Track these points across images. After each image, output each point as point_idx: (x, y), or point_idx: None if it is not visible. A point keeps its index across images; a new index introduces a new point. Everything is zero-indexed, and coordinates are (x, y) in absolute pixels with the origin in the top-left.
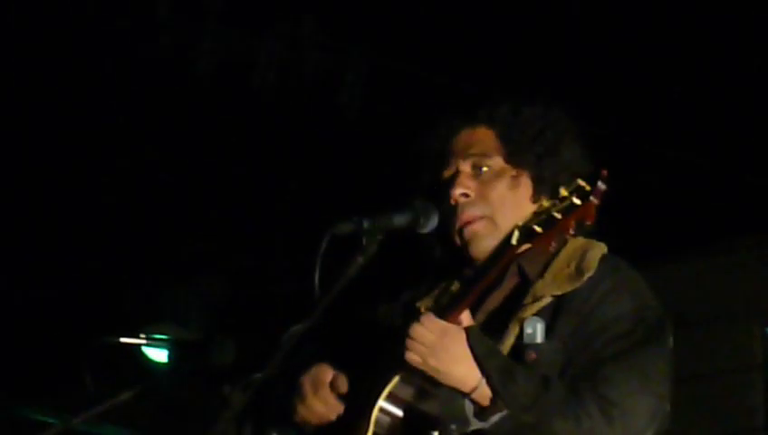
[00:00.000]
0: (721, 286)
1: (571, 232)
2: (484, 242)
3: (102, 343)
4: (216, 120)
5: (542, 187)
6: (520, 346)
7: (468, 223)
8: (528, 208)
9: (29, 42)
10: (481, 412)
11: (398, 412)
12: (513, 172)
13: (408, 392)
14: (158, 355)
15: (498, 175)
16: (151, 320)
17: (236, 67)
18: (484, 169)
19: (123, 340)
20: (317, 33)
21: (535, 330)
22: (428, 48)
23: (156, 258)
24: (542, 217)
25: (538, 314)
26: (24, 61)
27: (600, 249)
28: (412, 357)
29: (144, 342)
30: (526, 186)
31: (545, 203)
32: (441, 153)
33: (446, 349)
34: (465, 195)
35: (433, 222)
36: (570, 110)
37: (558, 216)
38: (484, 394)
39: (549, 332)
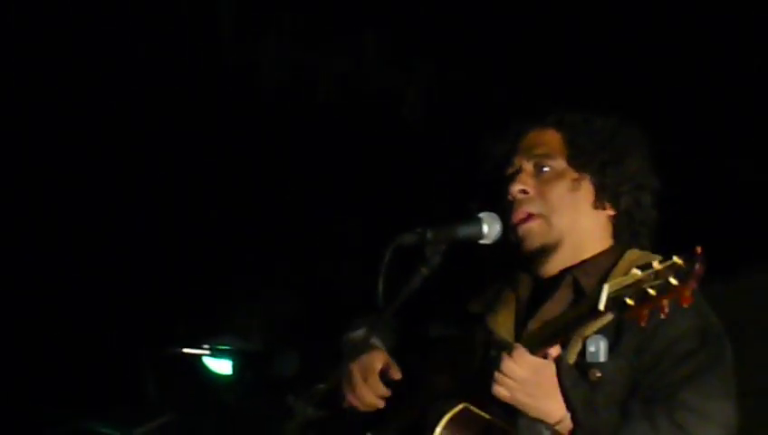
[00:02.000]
0: None
1: (666, 311)
2: (537, 240)
3: (166, 353)
4: (283, 137)
5: (604, 194)
6: (583, 364)
7: (523, 220)
8: (587, 214)
9: (82, 59)
10: None
11: None
12: (575, 175)
13: (472, 423)
14: (222, 367)
15: (559, 176)
16: (214, 332)
17: (301, 83)
18: (546, 169)
19: (186, 350)
20: (379, 48)
21: (598, 348)
22: (490, 61)
23: (220, 270)
24: (634, 288)
25: (600, 331)
26: (73, 78)
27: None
28: (501, 392)
29: (207, 352)
30: (587, 191)
31: (637, 273)
32: (507, 153)
33: (538, 385)
34: (524, 191)
35: (497, 232)
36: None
37: (653, 293)
38: (567, 425)
39: (612, 350)
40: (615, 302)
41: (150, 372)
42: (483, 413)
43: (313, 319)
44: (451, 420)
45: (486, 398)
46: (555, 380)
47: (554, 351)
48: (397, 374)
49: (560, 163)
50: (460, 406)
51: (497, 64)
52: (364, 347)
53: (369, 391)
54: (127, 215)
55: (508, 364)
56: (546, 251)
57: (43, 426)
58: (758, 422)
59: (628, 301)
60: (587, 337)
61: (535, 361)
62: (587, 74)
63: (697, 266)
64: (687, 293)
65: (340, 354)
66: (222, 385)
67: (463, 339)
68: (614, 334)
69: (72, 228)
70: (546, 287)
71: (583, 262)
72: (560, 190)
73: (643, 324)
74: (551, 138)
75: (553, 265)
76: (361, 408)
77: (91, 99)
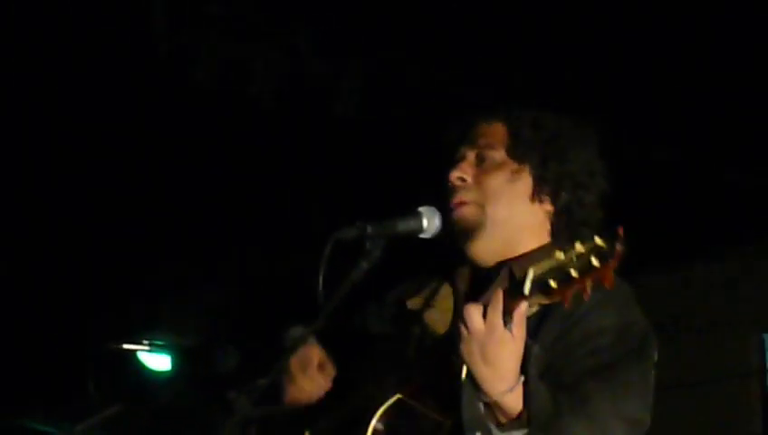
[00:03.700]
0: (719, 294)
1: (589, 292)
2: (469, 224)
3: (105, 349)
4: (216, 130)
5: (542, 188)
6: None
7: (457, 207)
8: (524, 206)
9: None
10: (502, 426)
11: (391, 431)
12: (515, 167)
13: (407, 414)
14: (160, 363)
15: (498, 167)
16: (150, 328)
17: (234, 77)
18: (487, 159)
19: (126, 346)
20: (314, 43)
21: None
22: (425, 55)
23: (154, 266)
24: (557, 271)
25: (528, 318)
26: (26, 70)
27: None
28: (462, 347)
29: (146, 348)
30: (526, 183)
31: (560, 255)
32: (456, 142)
33: (502, 341)
34: (462, 179)
35: (436, 226)
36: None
37: (575, 274)
38: (509, 404)
39: (532, 337)
40: (539, 285)
41: (90, 368)
42: (417, 404)
43: (250, 313)
44: (386, 411)
45: (420, 390)
46: (512, 350)
47: (522, 307)
48: (331, 369)
49: (500, 154)
50: (395, 398)
51: (431, 59)
52: (302, 343)
53: (309, 382)
54: (63, 209)
55: (474, 316)
56: (478, 235)
57: None
58: (696, 412)
59: (552, 283)
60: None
61: (499, 321)
62: (519, 63)
63: (618, 247)
64: (609, 273)
65: (280, 350)
66: (161, 381)
67: (399, 335)
68: (537, 324)
69: (12, 222)
70: (483, 280)
71: (520, 256)
72: (497, 181)
73: (567, 306)
74: (496, 130)
75: (489, 256)
76: (302, 400)
77: (20, 87)
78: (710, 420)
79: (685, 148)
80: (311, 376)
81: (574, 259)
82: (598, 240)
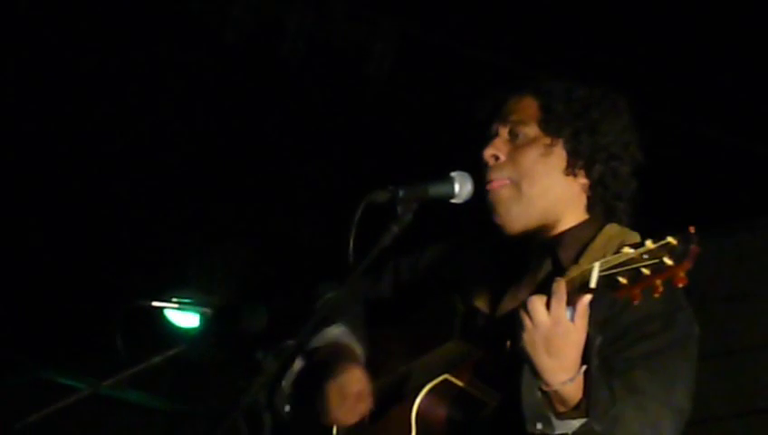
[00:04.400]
0: (745, 264)
1: (660, 290)
2: (506, 206)
3: (134, 306)
4: (245, 90)
5: (577, 161)
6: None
7: (493, 186)
8: (559, 181)
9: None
10: (560, 415)
11: (437, 410)
12: (548, 141)
13: (452, 394)
14: (189, 321)
15: (532, 142)
16: (179, 286)
17: (265, 37)
18: (520, 135)
19: (155, 304)
20: (346, 4)
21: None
22: (458, 19)
23: (183, 224)
24: (626, 266)
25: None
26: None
27: (635, 240)
28: (523, 337)
29: (175, 306)
30: (560, 157)
31: (628, 251)
32: (488, 119)
33: (566, 333)
34: (496, 157)
35: (468, 192)
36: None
37: (647, 272)
38: (569, 394)
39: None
40: (607, 280)
41: (118, 325)
42: (464, 384)
43: (277, 272)
44: (431, 390)
45: (468, 370)
46: (575, 341)
47: (586, 299)
48: (370, 400)
49: (533, 129)
50: (441, 377)
51: (465, 22)
52: (331, 305)
53: (343, 415)
54: (95, 169)
55: (539, 307)
56: (515, 213)
57: (6, 373)
58: (723, 384)
59: (621, 280)
60: None
61: (563, 313)
62: (561, 37)
63: (693, 247)
64: (682, 273)
65: (309, 310)
66: (189, 339)
67: (440, 307)
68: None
69: (36, 185)
70: (523, 258)
71: (561, 234)
72: (531, 156)
73: (636, 302)
74: (527, 104)
75: (527, 230)
76: (337, 426)
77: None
78: (737, 391)
79: (726, 117)
80: (347, 408)
81: (645, 257)
82: (671, 239)
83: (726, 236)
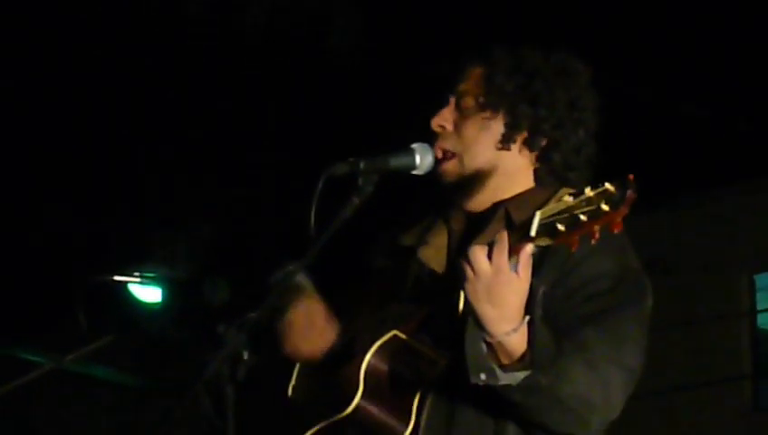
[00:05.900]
0: (710, 234)
1: (597, 236)
2: (452, 179)
3: (96, 281)
4: (205, 63)
5: (515, 134)
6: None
7: (440, 159)
8: (500, 154)
9: None
10: (505, 367)
11: (385, 367)
12: (487, 114)
13: (401, 350)
14: (151, 295)
15: (472, 114)
16: (141, 261)
17: (226, 8)
18: (463, 106)
19: (117, 278)
20: None
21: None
22: None
23: (146, 199)
24: (565, 214)
25: None
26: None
27: (589, 190)
28: (467, 287)
29: (137, 280)
30: (499, 130)
31: (568, 199)
32: (443, 87)
33: (508, 282)
34: (442, 126)
35: (429, 163)
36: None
37: (584, 218)
38: (513, 345)
39: (533, 277)
40: (546, 228)
41: (81, 299)
42: (413, 341)
43: (241, 246)
44: (381, 346)
45: (417, 327)
46: (518, 290)
47: (528, 248)
48: (336, 326)
49: (476, 100)
50: (390, 334)
51: None
52: (291, 278)
53: (307, 346)
54: (60, 141)
55: (479, 256)
56: (463, 186)
57: None
58: (686, 354)
59: (560, 226)
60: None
61: (505, 262)
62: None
63: (629, 193)
64: (619, 219)
65: (272, 285)
66: (152, 314)
67: (395, 270)
68: (535, 266)
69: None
70: (478, 221)
71: (515, 196)
72: (471, 129)
73: (573, 250)
74: (475, 74)
75: (480, 201)
76: (303, 353)
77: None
78: (700, 360)
79: (681, 88)
80: (311, 338)
81: (583, 204)
82: (608, 186)
83: (692, 208)
